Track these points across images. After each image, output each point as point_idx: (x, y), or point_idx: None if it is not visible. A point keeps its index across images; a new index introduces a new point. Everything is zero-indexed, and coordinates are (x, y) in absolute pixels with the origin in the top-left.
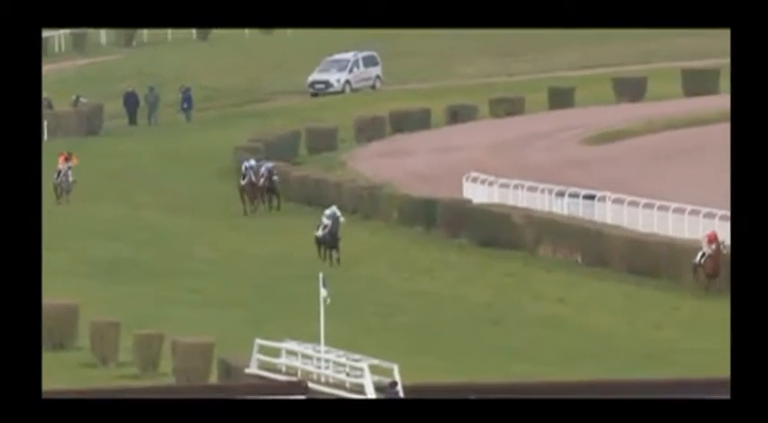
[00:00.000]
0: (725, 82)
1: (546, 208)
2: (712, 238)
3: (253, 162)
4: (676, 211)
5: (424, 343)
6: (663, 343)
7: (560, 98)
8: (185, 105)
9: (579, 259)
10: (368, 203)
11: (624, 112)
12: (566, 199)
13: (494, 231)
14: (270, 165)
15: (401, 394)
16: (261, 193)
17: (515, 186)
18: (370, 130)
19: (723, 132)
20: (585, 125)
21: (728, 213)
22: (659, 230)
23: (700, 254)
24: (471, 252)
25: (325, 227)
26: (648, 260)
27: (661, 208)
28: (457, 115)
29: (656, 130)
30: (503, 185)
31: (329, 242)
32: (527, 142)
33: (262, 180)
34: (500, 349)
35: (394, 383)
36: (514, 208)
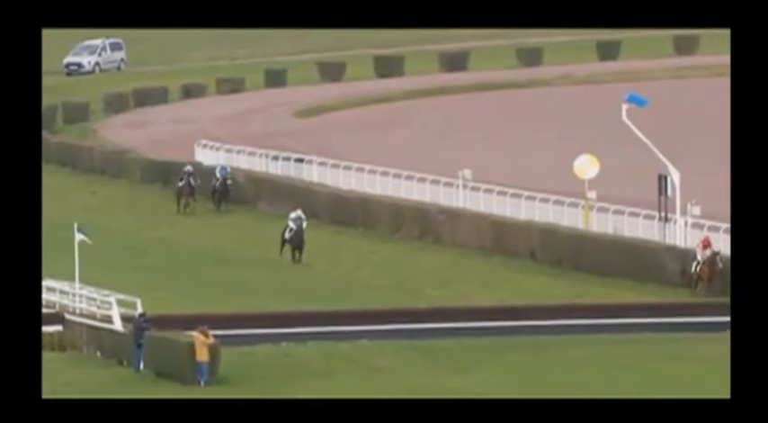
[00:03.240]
0: (409, 64)
1: (264, 169)
2: (706, 244)
3: (191, 168)
4: (370, 171)
5: (163, 281)
6: (360, 280)
7: (275, 79)
8: None
9: None
10: (115, 165)
11: (327, 90)
12: (280, 162)
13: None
14: (226, 168)
15: (147, 324)
16: (193, 195)
17: (238, 151)
18: (116, 104)
19: (407, 108)
20: (296, 101)
21: (427, 175)
22: (356, 188)
23: (695, 263)
24: (202, 205)
25: (291, 230)
26: (348, 213)
27: (358, 169)
28: (189, 92)
29: (353, 105)
30: (227, 150)
31: (296, 243)
32: (248, 115)
33: (217, 184)
34: (227, 286)
35: (142, 314)
36: (237, 169)
